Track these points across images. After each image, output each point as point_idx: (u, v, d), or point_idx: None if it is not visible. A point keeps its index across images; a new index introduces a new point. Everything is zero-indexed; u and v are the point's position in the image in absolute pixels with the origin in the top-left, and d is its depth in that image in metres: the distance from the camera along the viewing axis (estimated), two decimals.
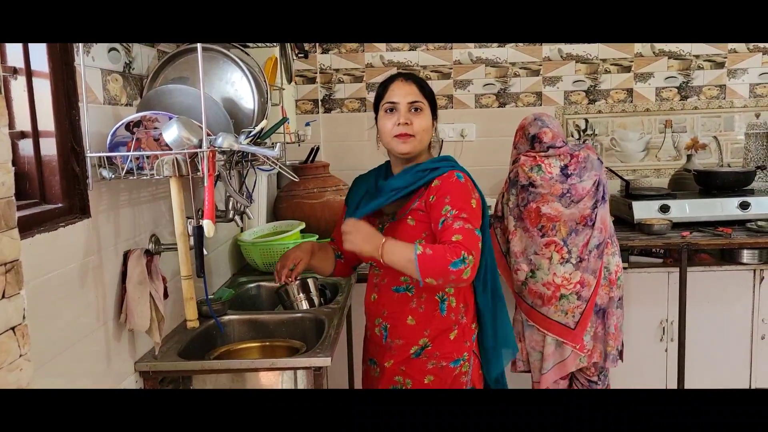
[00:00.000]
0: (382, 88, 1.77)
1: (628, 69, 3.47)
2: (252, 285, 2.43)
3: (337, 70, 3.50)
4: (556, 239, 2.54)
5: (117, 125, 1.37)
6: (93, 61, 1.41)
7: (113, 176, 1.40)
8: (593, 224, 2.55)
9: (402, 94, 1.72)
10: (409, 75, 1.78)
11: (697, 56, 3.44)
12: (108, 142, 1.39)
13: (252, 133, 1.54)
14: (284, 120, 1.82)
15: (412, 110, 1.71)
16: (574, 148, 2.60)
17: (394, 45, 3.48)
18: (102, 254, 1.44)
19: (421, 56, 3.49)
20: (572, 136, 3.50)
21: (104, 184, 1.45)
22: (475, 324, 1.81)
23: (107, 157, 1.39)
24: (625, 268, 2.79)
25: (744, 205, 3.08)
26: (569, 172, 2.55)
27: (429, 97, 1.76)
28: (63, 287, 1.29)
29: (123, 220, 1.55)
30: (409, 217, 1.71)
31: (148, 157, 1.40)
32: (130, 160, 1.39)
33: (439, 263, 1.51)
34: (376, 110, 1.79)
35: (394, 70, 3.49)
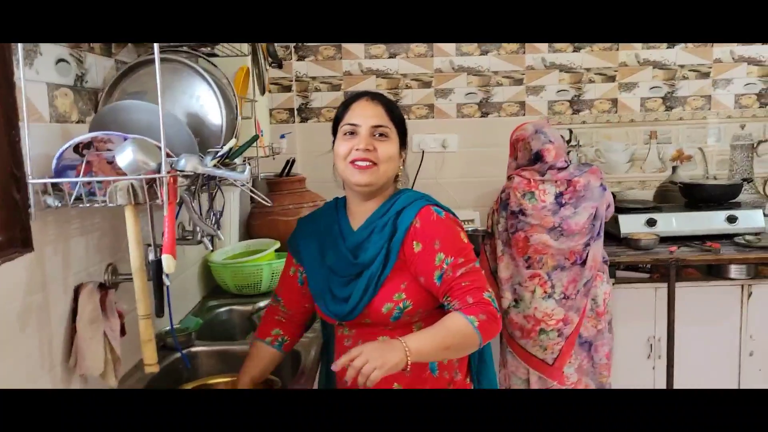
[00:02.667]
0: (343, 108, 1.52)
1: (612, 78, 3.38)
2: (223, 309, 2.29)
3: (313, 78, 3.37)
4: (540, 272, 2.43)
5: (63, 147, 1.22)
6: (37, 75, 1.25)
7: (60, 204, 1.24)
8: (584, 263, 2.43)
9: (365, 115, 1.46)
10: (376, 95, 1.52)
11: (681, 66, 3.37)
12: (54, 166, 1.23)
13: (219, 154, 1.40)
14: (254, 138, 1.67)
15: (376, 135, 1.45)
16: (574, 173, 2.45)
17: (373, 52, 3.36)
18: (48, 291, 1.28)
19: (400, 64, 3.37)
20: (563, 143, 3.40)
21: (50, 213, 1.28)
22: (469, 379, 1.58)
23: (53, 183, 1.23)
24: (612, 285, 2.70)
25: (731, 219, 3.02)
26: (563, 202, 2.42)
27: (398, 122, 1.51)
28: (0, 333, 1.13)
29: (73, 252, 1.38)
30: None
31: (100, 182, 1.25)
32: (80, 186, 1.23)
33: (492, 322, 1.37)
34: (335, 133, 1.52)
35: (372, 78, 3.36)
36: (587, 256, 2.43)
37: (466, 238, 1.48)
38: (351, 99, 1.53)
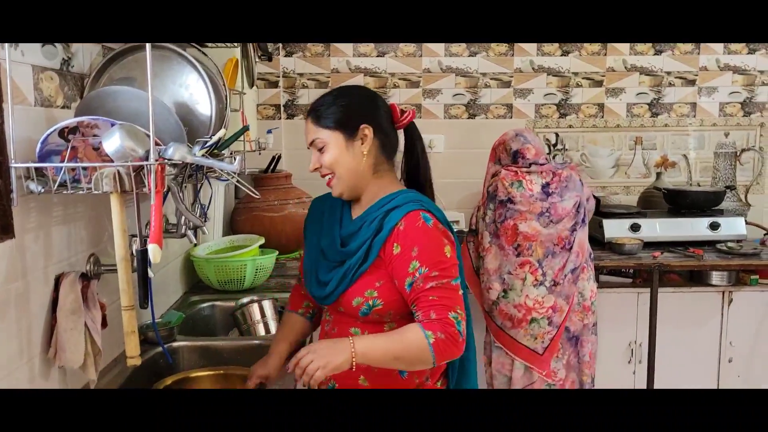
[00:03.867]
0: None
1: (599, 83, 3.40)
2: (205, 305, 2.25)
3: (301, 75, 3.34)
4: (531, 260, 2.43)
5: (48, 131, 1.18)
6: (23, 56, 1.22)
7: (43, 190, 1.20)
8: (570, 248, 2.46)
9: (306, 135, 1.48)
10: (312, 108, 1.48)
11: (668, 73, 3.40)
12: (38, 150, 1.19)
13: (208, 144, 1.36)
14: (245, 129, 1.65)
15: (318, 149, 1.46)
16: (557, 167, 2.51)
17: (361, 50, 3.34)
18: (28, 280, 1.24)
19: (389, 63, 3.35)
20: (544, 148, 3.42)
21: (32, 199, 1.25)
22: (441, 382, 1.53)
23: (36, 168, 1.19)
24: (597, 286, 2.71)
25: (714, 226, 3.05)
26: (550, 191, 2.45)
27: (329, 123, 1.44)
28: None
29: (55, 240, 1.35)
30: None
31: (85, 168, 1.21)
32: (64, 172, 1.20)
33: (451, 343, 1.33)
34: None
35: (360, 77, 3.34)
36: (574, 241, 2.46)
37: (452, 252, 1.42)
38: None
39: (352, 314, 1.46)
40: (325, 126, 1.44)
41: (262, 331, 2.01)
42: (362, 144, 1.45)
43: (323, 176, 1.48)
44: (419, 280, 1.36)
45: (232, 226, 2.77)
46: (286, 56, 3.31)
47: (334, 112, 1.45)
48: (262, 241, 2.43)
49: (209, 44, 1.87)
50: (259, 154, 2.52)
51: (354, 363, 1.31)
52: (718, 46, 3.40)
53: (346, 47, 3.34)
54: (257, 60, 2.36)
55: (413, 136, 1.55)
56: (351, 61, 3.34)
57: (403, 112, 1.52)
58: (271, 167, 2.89)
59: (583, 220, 2.52)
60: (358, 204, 1.53)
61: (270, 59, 2.46)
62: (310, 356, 1.31)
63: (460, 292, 1.40)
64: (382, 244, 1.42)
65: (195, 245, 2.32)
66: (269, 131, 2.55)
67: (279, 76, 3.32)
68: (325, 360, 1.30)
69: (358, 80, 3.34)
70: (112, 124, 1.19)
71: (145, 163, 1.16)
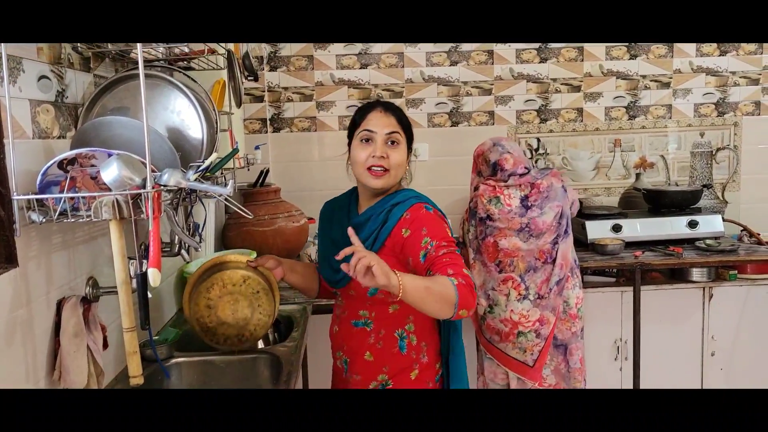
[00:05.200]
0: (360, 115, 1.71)
1: (577, 89, 3.49)
2: None
3: (285, 89, 3.39)
4: (513, 275, 2.48)
5: (48, 164, 1.23)
6: (20, 92, 1.27)
7: (44, 219, 1.25)
8: (554, 261, 2.51)
9: (381, 124, 1.65)
10: (389, 106, 1.70)
11: (643, 76, 3.49)
12: (38, 182, 1.24)
13: (201, 168, 1.42)
14: (235, 151, 1.70)
15: (389, 143, 1.65)
16: (536, 176, 2.54)
17: (344, 62, 3.40)
18: (32, 306, 1.29)
19: (372, 74, 3.41)
20: (524, 154, 3.49)
21: (34, 228, 1.30)
22: (440, 364, 1.74)
23: (37, 199, 1.24)
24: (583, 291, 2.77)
25: (692, 224, 3.13)
26: (530, 204, 2.49)
27: (407, 129, 1.70)
28: None
29: (56, 266, 1.39)
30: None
31: (84, 197, 1.26)
32: (64, 201, 1.25)
33: (469, 291, 1.45)
34: (350, 136, 1.73)
35: (344, 89, 3.40)
36: (557, 254, 2.50)
37: (452, 233, 1.62)
38: (367, 107, 1.71)
39: (362, 295, 1.66)
40: (404, 130, 1.69)
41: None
42: (409, 157, 1.73)
43: (378, 167, 1.64)
44: (432, 250, 1.53)
45: (223, 242, 2.82)
46: (270, 71, 3.37)
47: (409, 124, 1.72)
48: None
49: (196, 68, 1.92)
50: (248, 170, 2.57)
51: (401, 288, 1.34)
52: (691, 49, 3.50)
53: (330, 60, 3.40)
54: (244, 80, 2.41)
55: None
56: (334, 74, 3.40)
57: None
58: (260, 181, 2.94)
59: (566, 231, 2.55)
60: (363, 204, 1.73)
61: (256, 79, 2.52)
62: (375, 261, 1.31)
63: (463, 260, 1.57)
64: (388, 233, 1.62)
65: (188, 263, 2.37)
66: (257, 147, 2.60)
67: (264, 91, 3.37)
68: (383, 272, 1.31)
69: (342, 92, 3.40)
70: (110, 155, 1.24)
71: (142, 191, 1.22)
